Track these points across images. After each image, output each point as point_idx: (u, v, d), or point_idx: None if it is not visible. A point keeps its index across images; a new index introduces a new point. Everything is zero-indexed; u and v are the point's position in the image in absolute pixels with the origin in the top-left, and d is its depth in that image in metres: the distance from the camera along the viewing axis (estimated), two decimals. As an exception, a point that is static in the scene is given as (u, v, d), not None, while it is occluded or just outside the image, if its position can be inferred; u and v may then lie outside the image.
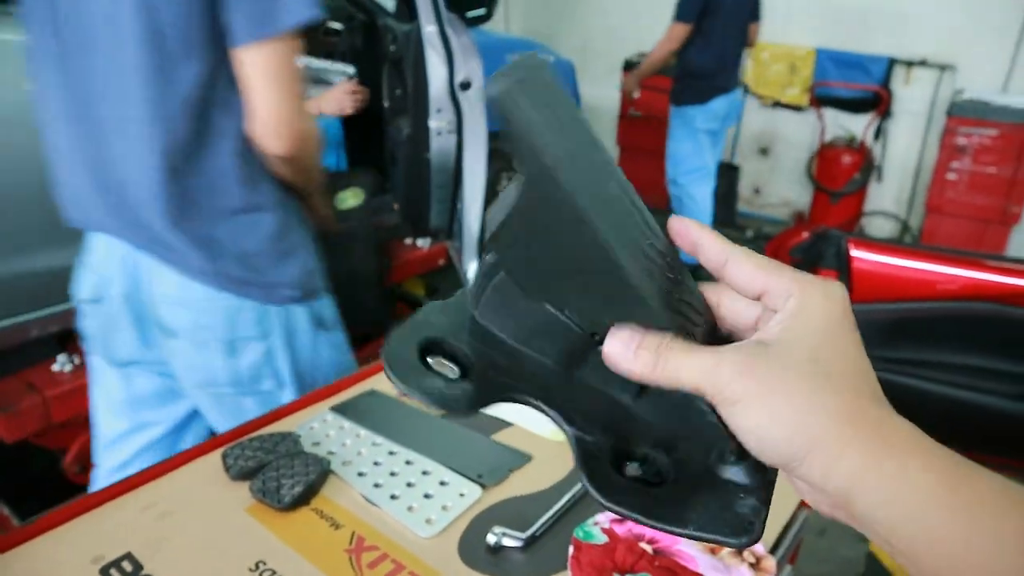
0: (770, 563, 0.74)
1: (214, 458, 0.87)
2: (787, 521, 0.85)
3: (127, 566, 0.71)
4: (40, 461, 1.91)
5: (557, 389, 0.43)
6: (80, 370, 1.83)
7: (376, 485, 0.84)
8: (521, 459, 0.90)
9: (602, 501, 0.37)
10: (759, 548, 0.76)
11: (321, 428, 0.94)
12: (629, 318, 0.37)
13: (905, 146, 4.34)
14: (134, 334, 1.14)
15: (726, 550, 0.75)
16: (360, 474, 0.86)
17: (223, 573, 0.71)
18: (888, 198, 4.44)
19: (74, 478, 1.82)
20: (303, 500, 0.81)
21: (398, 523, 0.80)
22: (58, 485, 1.76)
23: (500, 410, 1.01)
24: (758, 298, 0.36)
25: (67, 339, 1.92)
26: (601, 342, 0.38)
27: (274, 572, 0.72)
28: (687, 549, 0.73)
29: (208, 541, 0.76)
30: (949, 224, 3.90)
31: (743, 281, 0.37)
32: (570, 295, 0.40)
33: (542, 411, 0.42)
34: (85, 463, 1.88)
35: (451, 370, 0.43)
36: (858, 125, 4.30)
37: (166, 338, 1.11)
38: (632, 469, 0.39)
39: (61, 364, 1.83)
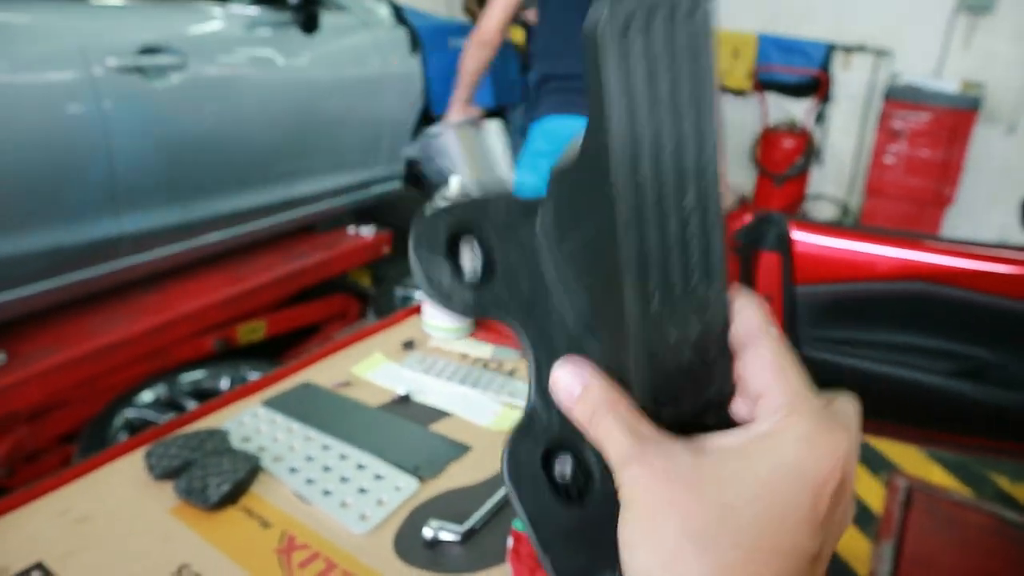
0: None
1: (136, 458, 0.83)
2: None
3: (39, 577, 0.67)
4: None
5: (554, 345, 0.37)
6: (6, 368, 1.75)
7: (308, 481, 0.81)
8: (459, 450, 0.88)
9: (507, 481, 0.34)
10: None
11: (252, 423, 0.91)
12: (614, 349, 0.33)
13: (845, 130, 4.44)
14: None
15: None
16: (292, 470, 0.83)
17: (144, 579, 0.68)
18: (829, 181, 4.54)
19: (1, 482, 1.74)
20: (231, 499, 0.77)
21: (331, 520, 0.77)
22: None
23: (437, 399, 0.99)
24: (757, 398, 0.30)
25: (-8, 335, 1.83)
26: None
27: (199, 575, 0.68)
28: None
29: (128, 546, 0.72)
30: (887, 206, 4.01)
31: (751, 371, 0.31)
32: (588, 282, 0.36)
33: (527, 353, 0.37)
34: (13, 464, 1.79)
35: (475, 267, 0.38)
36: (800, 109, 4.38)
37: None
38: (560, 465, 0.36)
39: (-14, 362, 1.73)
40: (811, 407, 0.29)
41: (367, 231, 2.62)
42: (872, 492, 2.34)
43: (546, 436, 0.35)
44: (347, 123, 2.56)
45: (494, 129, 2.49)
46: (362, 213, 2.78)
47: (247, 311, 2.27)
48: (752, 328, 0.31)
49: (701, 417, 0.32)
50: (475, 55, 2.33)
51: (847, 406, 0.30)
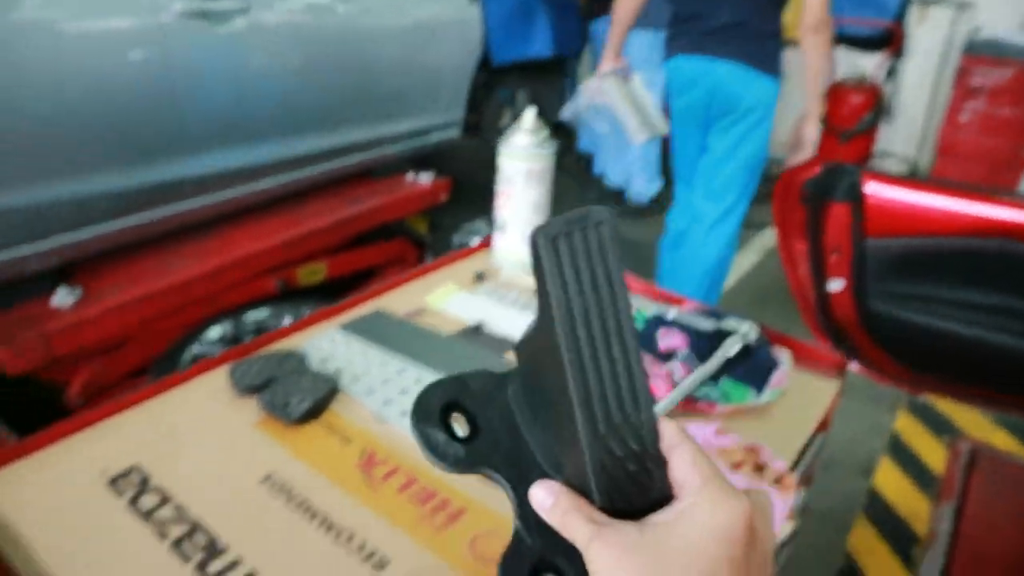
0: (791, 480, 0.73)
1: (220, 375, 0.85)
2: (805, 443, 0.83)
3: (135, 478, 0.70)
4: (43, 395, 1.91)
5: (530, 479, 0.47)
6: (82, 303, 1.81)
7: (386, 402, 0.82)
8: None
9: None
10: (781, 465, 0.74)
11: (329, 346, 0.92)
12: (575, 467, 0.43)
13: (917, 86, 4.25)
14: None
15: (747, 467, 0.73)
16: (369, 391, 0.84)
17: (233, 484, 0.70)
18: (898, 139, 4.37)
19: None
20: (312, 415, 0.79)
21: (410, 439, 0.78)
22: (62, 419, 1.75)
23: (509, 329, 0.99)
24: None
25: (66, 272, 1.90)
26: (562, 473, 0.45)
27: (285, 484, 0.70)
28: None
29: (217, 453, 0.74)
30: (959, 166, 3.84)
31: (676, 470, 0.42)
32: (551, 420, 0.46)
33: (508, 492, 0.48)
34: (89, 396, 1.87)
35: (462, 429, 0.49)
36: (870, 64, 4.20)
37: None
38: None
39: (61, 298, 1.80)
40: (718, 484, 0.39)
41: (425, 178, 2.62)
42: (934, 454, 2.28)
43: (531, 555, 0.44)
44: (405, 70, 2.54)
45: (639, 80, 2.60)
46: (420, 160, 2.78)
47: (307, 253, 2.30)
48: (674, 439, 0.42)
49: (654, 508, 0.41)
50: (622, 2, 2.34)
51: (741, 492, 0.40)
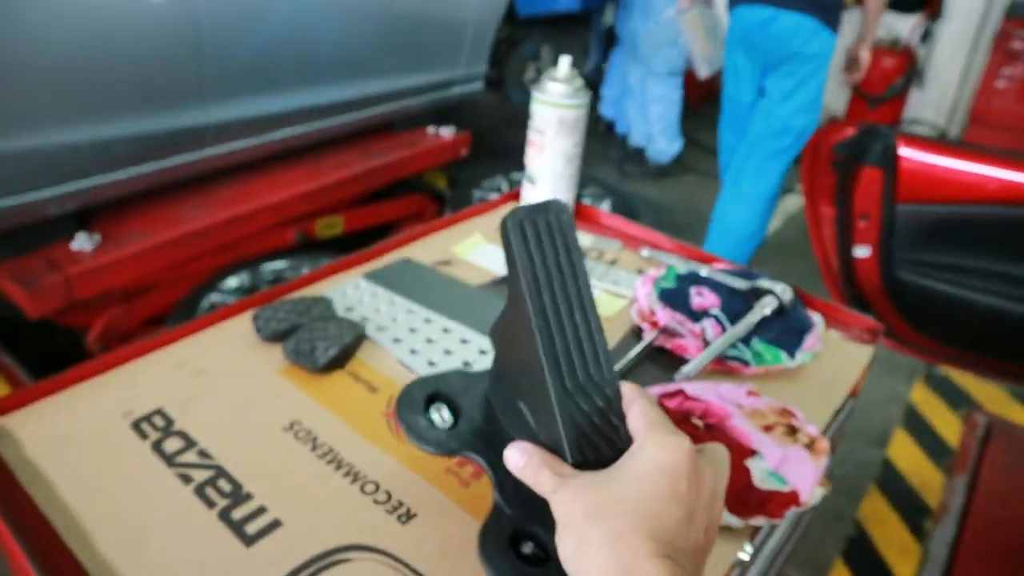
0: (824, 444, 0.71)
1: (244, 319, 0.84)
2: (837, 408, 0.81)
3: (159, 421, 0.69)
4: (63, 340, 1.92)
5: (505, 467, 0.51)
6: (101, 248, 1.81)
7: (413, 351, 0.81)
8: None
9: (480, 557, 0.48)
10: (813, 429, 0.72)
11: (354, 294, 0.91)
12: (543, 421, 0.48)
13: (953, 50, 4.11)
14: None
15: (780, 429, 0.72)
16: (396, 340, 0.83)
17: (257, 431, 0.69)
18: (930, 106, 4.25)
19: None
20: (338, 363, 0.78)
21: (436, 390, 0.77)
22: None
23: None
24: None
25: (86, 217, 1.89)
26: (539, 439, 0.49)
27: (310, 432, 0.69)
28: (740, 425, 0.70)
29: (241, 400, 0.73)
30: (992, 135, 3.74)
31: (631, 422, 0.47)
32: (524, 393, 0.51)
33: (488, 472, 0.55)
34: (109, 341, 1.88)
35: (443, 418, 0.58)
36: (905, 26, 4.07)
37: None
38: (527, 548, 0.49)
39: (81, 242, 1.80)
40: (662, 427, 0.44)
41: (446, 132, 2.59)
42: (949, 427, 2.27)
43: (510, 524, 0.50)
44: (428, 21, 2.49)
45: (717, 9, 2.82)
46: (442, 114, 2.74)
47: (326, 206, 2.29)
48: (631, 396, 0.48)
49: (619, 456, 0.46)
50: None
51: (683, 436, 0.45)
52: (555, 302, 0.47)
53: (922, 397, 2.37)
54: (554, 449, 0.47)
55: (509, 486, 0.51)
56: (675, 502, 0.41)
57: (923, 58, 4.12)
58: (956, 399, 2.36)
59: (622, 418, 0.47)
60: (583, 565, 0.39)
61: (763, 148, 2.56)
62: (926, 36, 4.08)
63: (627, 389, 0.48)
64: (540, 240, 0.47)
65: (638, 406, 0.46)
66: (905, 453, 2.14)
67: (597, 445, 0.46)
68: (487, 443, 0.55)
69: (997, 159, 1.79)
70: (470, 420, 0.57)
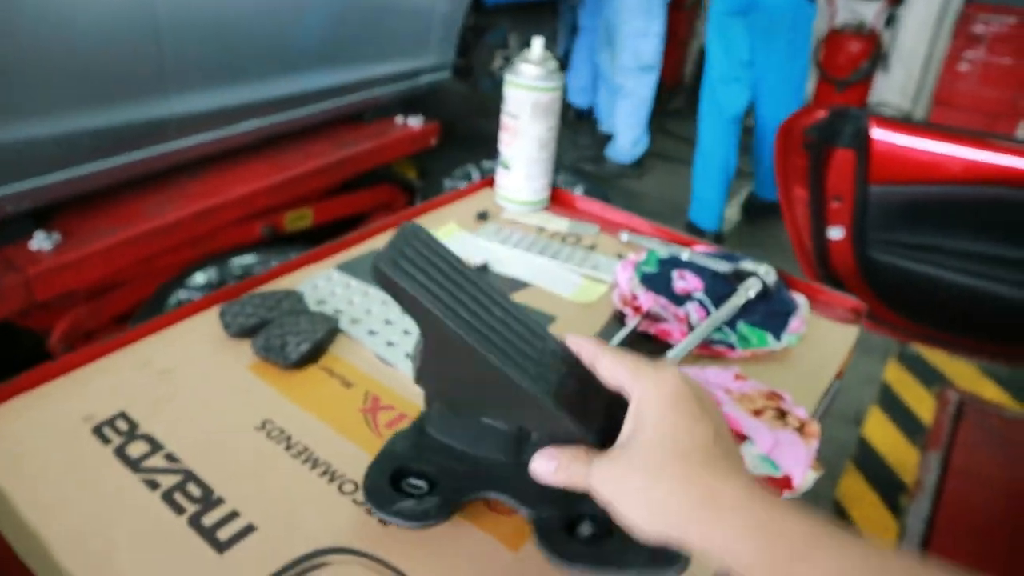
0: (814, 427, 0.70)
1: (211, 316, 0.80)
2: (825, 390, 0.80)
3: (122, 425, 0.65)
4: (27, 342, 1.85)
5: (511, 479, 0.52)
6: (62, 247, 1.74)
7: (389, 344, 0.78)
8: (545, 319, 0.84)
9: (565, 568, 0.47)
10: (802, 412, 0.71)
11: (326, 286, 0.87)
12: (533, 415, 0.47)
13: (916, 34, 4.16)
14: None
15: (769, 413, 0.70)
16: (371, 332, 0.80)
17: (227, 431, 0.66)
18: (894, 89, 4.30)
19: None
20: (311, 358, 0.75)
21: (415, 384, 0.74)
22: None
23: (515, 270, 0.94)
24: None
25: (44, 216, 1.82)
26: (526, 432, 0.50)
27: (283, 431, 0.66)
28: (730, 411, 0.68)
29: (209, 399, 0.70)
30: (956, 117, 3.80)
31: (608, 377, 0.47)
32: (487, 406, 0.50)
33: (503, 500, 0.53)
34: (72, 342, 1.82)
35: (420, 488, 0.54)
36: (870, 11, 4.10)
37: None
38: (584, 529, 0.49)
39: (39, 242, 1.73)
40: (645, 367, 0.45)
41: (415, 121, 2.54)
42: (923, 404, 2.30)
43: (558, 521, 0.50)
44: (396, 9, 2.44)
45: None
46: (410, 103, 2.70)
47: (294, 198, 2.24)
48: (592, 352, 0.48)
49: (615, 408, 0.46)
50: None
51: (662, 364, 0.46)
52: (469, 308, 0.47)
53: (896, 376, 2.40)
54: (565, 439, 0.46)
55: (531, 492, 0.50)
56: (699, 422, 0.42)
57: (888, 42, 4.16)
58: (929, 377, 2.39)
59: (589, 374, 0.48)
60: (669, 522, 0.40)
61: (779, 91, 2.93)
62: (890, 20, 4.12)
63: (587, 347, 0.48)
64: (417, 265, 0.47)
65: (607, 359, 0.47)
66: (881, 432, 2.17)
67: (589, 404, 0.47)
68: (476, 479, 0.54)
69: (968, 139, 1.80)
70: (445, 471, 0.54)
